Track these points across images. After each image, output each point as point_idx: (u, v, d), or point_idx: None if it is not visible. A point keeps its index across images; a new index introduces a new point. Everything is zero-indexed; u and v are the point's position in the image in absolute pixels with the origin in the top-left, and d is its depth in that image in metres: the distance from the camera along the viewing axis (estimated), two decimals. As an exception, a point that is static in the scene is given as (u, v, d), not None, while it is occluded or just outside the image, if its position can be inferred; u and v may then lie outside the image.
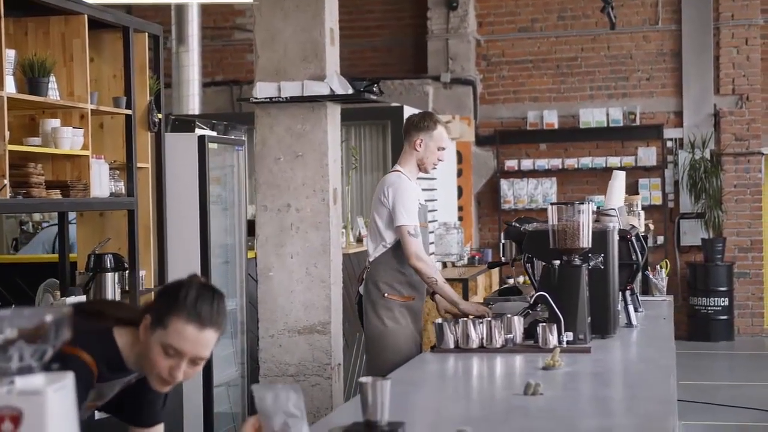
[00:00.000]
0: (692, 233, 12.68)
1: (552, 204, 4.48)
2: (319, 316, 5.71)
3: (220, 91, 13.28)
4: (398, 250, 5.20)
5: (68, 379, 1.76)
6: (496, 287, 11.41)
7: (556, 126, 12.96)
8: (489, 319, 4.32)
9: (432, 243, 10.01)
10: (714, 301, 12.32)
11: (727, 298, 12.34)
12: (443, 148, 5.34)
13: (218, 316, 2.63)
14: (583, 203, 4.43)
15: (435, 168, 5.43)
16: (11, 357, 1.72)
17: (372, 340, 5.31)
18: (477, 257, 10.96)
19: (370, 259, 5.34)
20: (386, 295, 5.22)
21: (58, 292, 5.38)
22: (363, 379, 2.73)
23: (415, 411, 3.21)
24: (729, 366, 11.34)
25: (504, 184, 13.02)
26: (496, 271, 11.48)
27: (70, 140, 4.96)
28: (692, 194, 12.42)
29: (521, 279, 12.14)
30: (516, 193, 13.04)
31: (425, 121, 5.33)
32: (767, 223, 12.97)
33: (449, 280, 9.15)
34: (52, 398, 1.70)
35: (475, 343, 4.26)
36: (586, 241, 4.39)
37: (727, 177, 12.60)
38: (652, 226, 9.53)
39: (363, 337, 7.42)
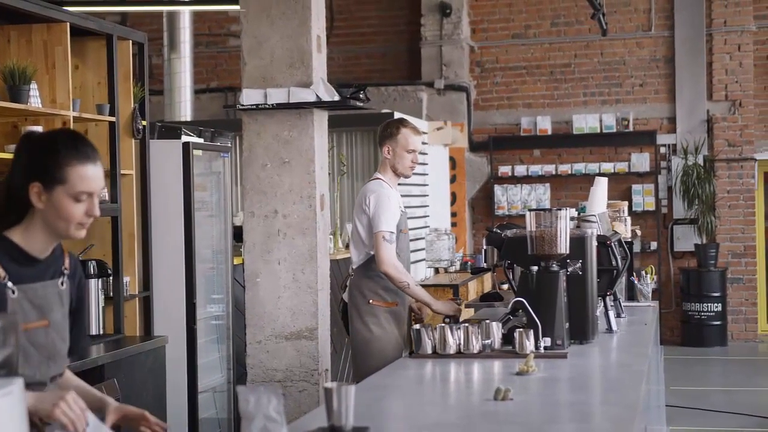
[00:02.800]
0: (685, 239, 12.69)
1: (530, 210, 4.49)
2: (306, 321, 5.71)
3: (215, 97, 13.30)
4: None
5: (16, 385, 1.78)
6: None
7: (549, 132, 12.98)
8: (467, 324, 4.34)
9: (422, 249, 10.02)
10: (707, 306, 12.32)
11: (720, 304, 12.35)
12: (413, 151, 5.41)
13: (95, 150, 2.79)
14: (561, 209, 4.45)
15: (412, 170, 5.50)
16: (-43, 363, 1.74)
17: (358, 347, 5.35)
18: (470, 263, 10.97)
19: (354, 266, 5.42)
20: (371, 301, 5.28)
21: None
22: (327, 385, 2.76)
23: (384, 416, 3.22)
24: (722, 371, 11.34)
25: (498, 189, 13.04)
26: (488, 276, 11.48)
27: (52, 147, 4.97)
28: (685, 200, 12.42)
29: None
30: (510, 199, 13.05)
31: (388, 129, 5.46)
32: (760, 229, 12.99)
33: (441, 287, 9.22)
34: (-2, 404, 1.72)
35: (452, 348, 4.27)
36: (563, 247, 4.41)
37: (720, 183, 12.62)
38: (639, 232, 9.54)
39: (348, 342, 7.44)
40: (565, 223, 4.41)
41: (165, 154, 6.22)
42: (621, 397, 3.37)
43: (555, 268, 4.42)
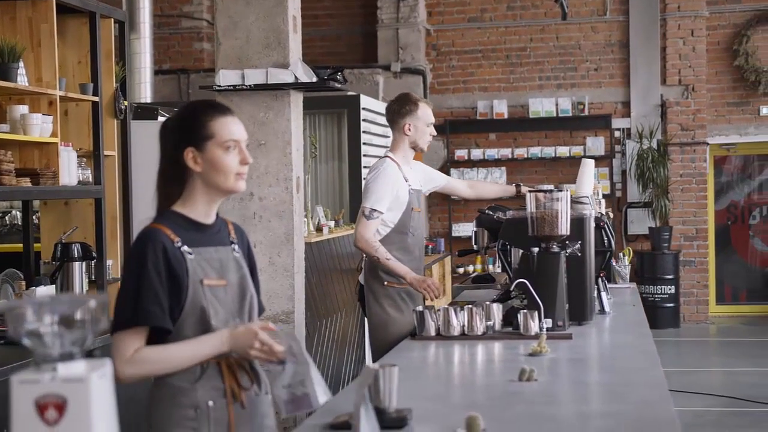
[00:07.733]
0: (639, 222, 12.83)
1: (530, 191, 4.49)
2: (283, 305, 5.68)
3: (168, 79, 13.12)
4: (395, 234, 5.19)
5: (107, 366, 1.72)
6: (449, 276, 11.46)
7: (505, 116, 13.02)
8: (470, 306, 4.32)
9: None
10: (661, 288, 12.49)
11: (673, 286, 12.52)
12: (431, 124, 5.41)
13: (229, 108, 3.00)
14: (561, 191, 4.45)
15: (429, 143, 5.51)
16: (53, 344, 1.68)
17: (375, 329, 5.27)
18: (430, 246, 10.99)
19: None
20: (386, 283, 5.21)
21: (24, 282, 5.26)
22: (372, 366, 2.72)
23: (416, 398, 3.18)
24: (676, 353, 11.50)
25: (454, 173, 13.05)
26: (448, 260, 11.53)
27: (39, 127, 4.86)
28: (640, 183, 12.56)
29: (480, 267, 12.21)
30: (466, 183, 13.06)
31: (406, 106, 5.38)
32: (711, 212, 13.19)
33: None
34: (96, 385, 1.66)
35: (456, 330, 4.26)
36: (564, 228, 4.41)
37: (673, 166, 12.77)
38: (611, 214, 9.61)
39: (320, 325, 7.40)
40: (565, 204, 4.41)
41: (144, 135, 6.10)
42: (645, 379, 3.39)
43: (555, 249, 4.43)
